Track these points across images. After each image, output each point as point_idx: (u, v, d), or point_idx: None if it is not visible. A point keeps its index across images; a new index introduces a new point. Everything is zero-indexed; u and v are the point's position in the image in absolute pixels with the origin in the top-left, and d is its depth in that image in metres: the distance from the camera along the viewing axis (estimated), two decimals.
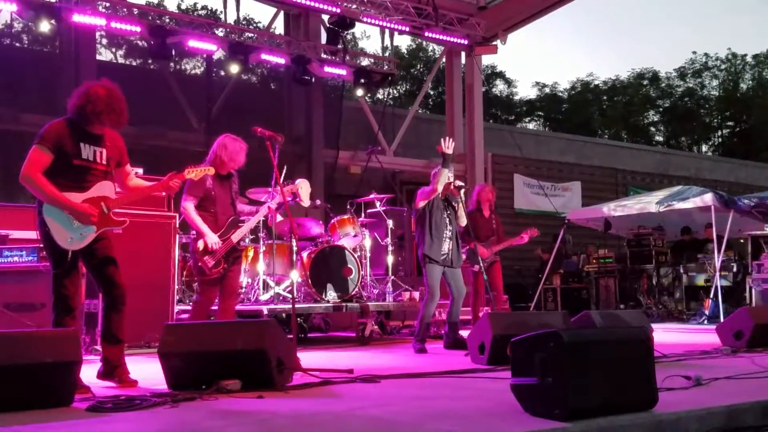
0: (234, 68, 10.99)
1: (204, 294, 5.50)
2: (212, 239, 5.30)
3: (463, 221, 6.59)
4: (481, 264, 7.05)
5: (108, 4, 10.45)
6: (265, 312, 6.72)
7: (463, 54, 14.26)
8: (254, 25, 25.76)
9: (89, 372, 4.12)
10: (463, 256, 6.70)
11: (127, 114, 4.17)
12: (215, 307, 5.71)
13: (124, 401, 3.45)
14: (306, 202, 8.32)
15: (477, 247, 7.02)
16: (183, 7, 29.72)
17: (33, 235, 4.32)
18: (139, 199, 4.53)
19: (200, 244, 5.34)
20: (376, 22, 12.29)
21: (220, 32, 11.50)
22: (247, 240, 7.71)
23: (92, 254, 4.19)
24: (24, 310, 5.58)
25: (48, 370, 3.44)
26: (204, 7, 29.87)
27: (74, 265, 4.14)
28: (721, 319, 8.33)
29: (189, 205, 5.32)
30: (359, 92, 12.67)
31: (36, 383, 3.42)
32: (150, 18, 10.75)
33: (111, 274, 4.22)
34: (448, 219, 6.44)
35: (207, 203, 5.38)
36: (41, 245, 4.39)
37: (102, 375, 4.22)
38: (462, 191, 6.57)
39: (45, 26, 9.32)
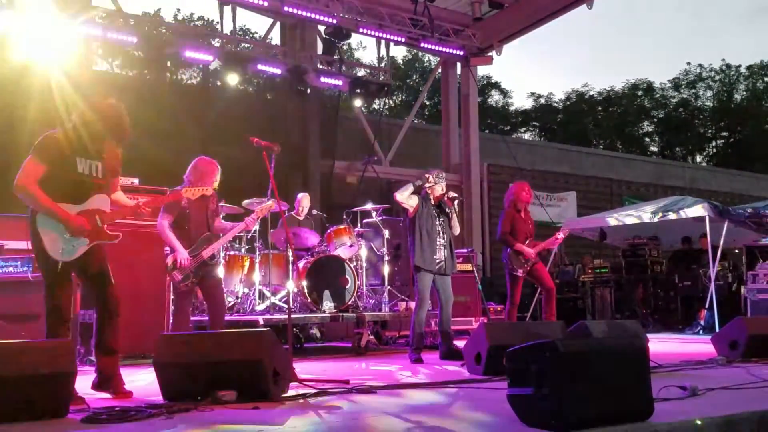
0: (230, 78, 11.01)
1: (178, 308, 5.68)
2: (182, 255, 5.47)
3: (457, 230, 6.60)
4: (525, 266, 7.12)
5: (104, 15, 10.46)
6: (261, 322, 6.71)
7: (458, 65, 14.32)
8: (251, 35, 25.87)
9: (84, 383, 4.10)
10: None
11: (129, 134, 4.19)
12: (206, 318, 5.89)
13: (119, 412, 3.44)
14: (302, 216, 8.35)
15: (521, 248, 7.12)
16: (179, 17, 29.86)
17: (27, 245, 4.31)
18: (135, 214, 4.55)
19: (170, 260, 5.52)
20: (372, 32, 12.33)
21: (216, 43, 11.52)
22: (242, 250, 7.74)
23: (85, 266, 4.18)
24: (18, 320, 5.56)
25: (42, 381, 3.42)
26: (200, 18, 30.04)
27: (67, 275, 4.13)
28: (717, 329, 8.34)
29: (164, 223, 5.54)
30: (356, 102, 12.70)
31: (30, 394, 3.40)
32: (146, 28, 10.75)
33: (105, 286, 4.22)
34: (441, 227, 6.44)
35: (182, 221, 5.58)
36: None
37: (97, 386, 4.21)
38: (456, 202, 6.57)
39: (41, 36, 9.27)
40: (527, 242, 7.25)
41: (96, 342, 4.24)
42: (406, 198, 6.38)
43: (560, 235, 7.52)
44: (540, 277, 7.28)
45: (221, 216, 6.05)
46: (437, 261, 6.33)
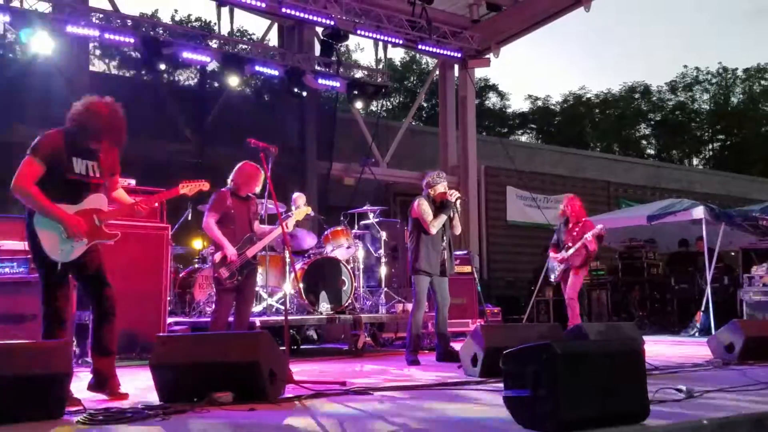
0: (228, 80, 11.00)
1: (220, 303, 5.89)
2: (231, 252, 5.69)
3: (458, 230, 6.61)
4: (554, 273, 7.80)
5: (101, 16, 10.45)
6: (258, 324, 6.71)
7: (456, 67, 14.33)
8: (248, 36, 25.85)
9: (80, 384, 4.10)
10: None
11: (126, 134, 4.19)
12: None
13: (115, 414, 3.44)
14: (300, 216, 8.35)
15: (550, 257, 7.90)
16: (177, 18, 29.82)
17: (24, 246, 4.31)
18: (133, 213, 4.56)
19: (218, 256, 5.72)
20: (370, 34, 12.33)
21: (213, 44, 11.51)
22: None
23: (82, 266, 4.17)
24: (14, 321, 5.55)
25: (38, 382, 3.42)
26: (198, 19, 29.97)
27: (64, 277, 4.12)
28: (713, 332, 8.35)
29: (211, 221, 5.78)
30: (354, 104, 12.69)
31: (26, 396, 3.39)
32: (144, 29, 10.74)
33: (101, 287, 4.21)
34: (443, 229, 6.44)
35: (227, 220, 5.81)
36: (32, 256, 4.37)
37: (93, 387, 4.20)
38: (458, 202, 6.57)
39: (38, 37, 9.24)
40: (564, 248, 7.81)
41: (92, 343, 4.23)
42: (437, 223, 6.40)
43: (588, 236, 7.61)
44: (565, 286, 7.86)
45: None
46: (441, 263, 6.36)
